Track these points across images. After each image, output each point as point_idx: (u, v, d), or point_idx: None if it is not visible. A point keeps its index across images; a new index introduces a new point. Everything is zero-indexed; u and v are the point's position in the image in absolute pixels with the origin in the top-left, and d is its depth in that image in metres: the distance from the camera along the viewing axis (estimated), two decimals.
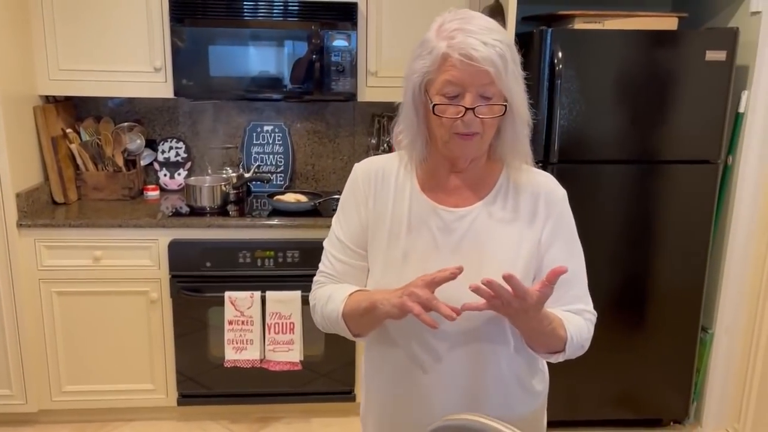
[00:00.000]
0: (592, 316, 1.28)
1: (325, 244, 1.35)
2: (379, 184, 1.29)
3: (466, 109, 1.13)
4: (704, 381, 2.76)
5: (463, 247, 1.23)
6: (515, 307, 1.08)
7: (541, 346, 1.22)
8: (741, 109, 2.52)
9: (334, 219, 1.35)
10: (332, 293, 1.28)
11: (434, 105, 1.15)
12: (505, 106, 1.15)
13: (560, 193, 1.28)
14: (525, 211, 1.25)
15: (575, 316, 1.24)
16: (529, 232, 1.25)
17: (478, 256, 1.23)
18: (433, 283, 1.10)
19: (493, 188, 1.27)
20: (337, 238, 1.32)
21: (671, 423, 2.79)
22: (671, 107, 2.44)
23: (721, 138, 2.48)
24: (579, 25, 2.47)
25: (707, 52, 2.39)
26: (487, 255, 1.23)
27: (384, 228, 1.27)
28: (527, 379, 1.31)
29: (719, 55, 2.39)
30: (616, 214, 2.54)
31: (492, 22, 1.16)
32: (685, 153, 2.49)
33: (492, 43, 1.11)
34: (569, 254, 1.26)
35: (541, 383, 1.35)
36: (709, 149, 2.49)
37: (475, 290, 1.05)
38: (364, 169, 1.32)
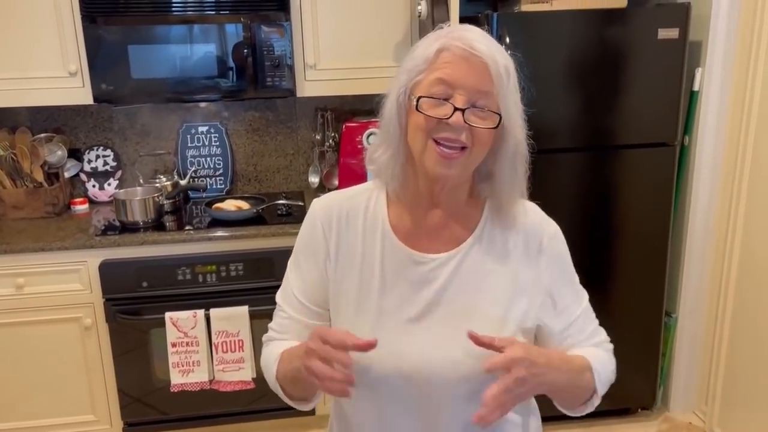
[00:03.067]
0: (610, 345, 1.16)
1: (277, 297, 1.16)
2: (344, 228, 1.10)
3: (456, 108, 0.95)
4: (670, 365, 2.72)
5: (446, 299, 1.06)
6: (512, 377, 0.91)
7: (571, 400, 1.08)
8: (695, 87, 2.43)
9: (289, 264, 1.15)
10: (271, 352, 1.11)
11: (419, 98, 0.97)
12: (500, 115, 0.97)
13: (552, 229, 1.12)
14: (515, 252, 1.08)
15: (594, 349, 1.11)
16: (523, 274, 1.08)
17: (464, 307, 1.05)
18: (339, 345, 0.93)
19: (476, 227, 1.09)
20: (291, 291, 1.13)
21: (639, 410, 2.74)
22: (625, 89, 2.33)
23: (677, 119, 2.39)
24: (526, 5, 2.33)
25: (659, 30, 2.28)
26: (474, 307, 1.05)
27: (351, 284, 1.09)
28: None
29: (672, 33, 2.29)
30: (575, 202, 2.44)
31: (496, 42, 1.02)
32: (641, 136, 2.40)
33: (495, 47, 0.98)
34: (576, 297, 1.13)
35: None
36: (666, 131, 2.40)
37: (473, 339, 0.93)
38: (324, 207, 1.12)
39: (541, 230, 1.11)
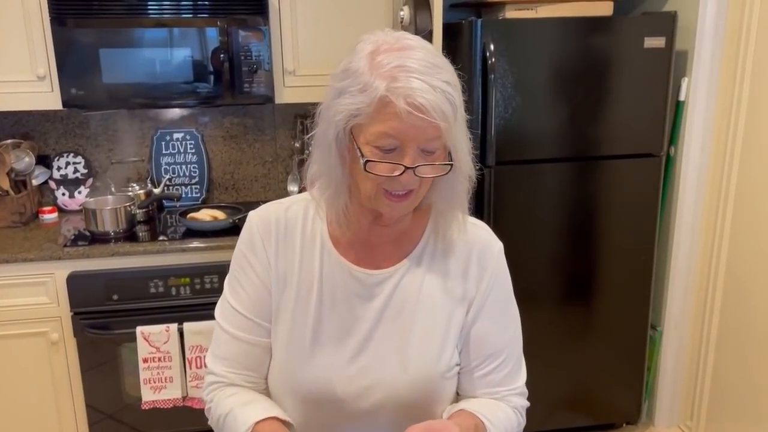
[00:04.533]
0: (520, 398, 1.09)
1: (217, 316, 1.09)
2: (281, 238, 1.05)
3: (406, 168, 0.90)
4: (655, 379, 2.67)
5: (387, 316, 1.02)
6: None
7: None
8: (681, 97, 2.40)
9: (226, 283, 1.09)
10: (233, 410, 1.02)
11: (366, 161, 0.90)
12: (450, 165, 0.93)
13: (495, 248, 1.08)
14: (456, 271, 1.05)
15: (498, 411, 1.04)
16: (461, 296, 1.05)
17: (404, 327, 1.02)
18: None
19: (419, 243, 1.05)
20: (233, 308, 1.06)
21: (624, 424, 2.69)
22: (611, 99, 2.29)
23: (663, 129, 2.36)
24: (510, 12, 2.28)
25: (646, 38, 2.24)
26: (415, 325, 1.02)
27: (289, 297, 1.04)
28: None
29: (658, 42, 2.25)
30: (560, 213, 2.39)
31: (433, 53, 0.92)
32: (626, 147, 2.36)
33: (441, 86, 0.88)
34: (502, 327, 1.07)
35: None
36: (652, 142, 2.37)
37: None
38: (262, 218, 1.07)
39: (487, 247, 1.07)
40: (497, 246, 1.08)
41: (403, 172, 0.91)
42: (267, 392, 1.10)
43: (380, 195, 0.94)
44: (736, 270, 2.30)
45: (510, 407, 1.07)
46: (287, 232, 1.05)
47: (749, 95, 2.19)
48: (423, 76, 0.88)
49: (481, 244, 1.07)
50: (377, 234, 1.04)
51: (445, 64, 0.93)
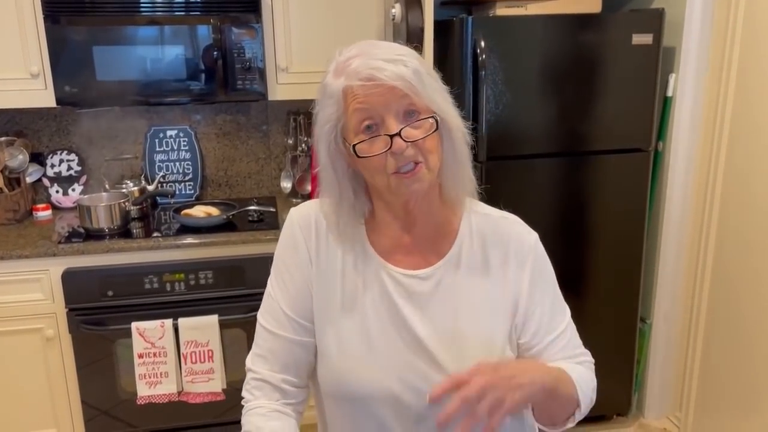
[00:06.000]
0: (590, 361, 1.12)
1: (259, 318, 1.09)
2: (323, 236, 1.06)
3: (391, 136, 0.92)
4: (644, 372, 2.71)
5: (431, 312, 1.03)
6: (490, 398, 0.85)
7: (558, 411, 1.03)
8: (669, 93, 2.43)
9: (270, 280, 1.10)
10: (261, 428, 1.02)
11: (354, 146, 0.94)
12: (436, 119, 0.95)
13: (532, 240, 1.10)
14: (495, 265, 1.06)
15: (575, 366, 1.07)
16: (504, 288, 1.06)
17: (452, 325, 1.03)
18: None
19: (455, 241, 1.06)
20: (273, 306, 1.06)
21: (614, 416, 2.73)
22: (599, 95, 2.32)
23: (651, 125, 2.39)
24: (501, 9, 2.31)
25: (634, 35, 2.27)
26: (463, 323, 1.03)
27: (335, 301, 1.04)
28: None
29: (645, 39, 2.28)
30: (549, 208, 2.42)
31: (397, 45, 0.97)
32: (615, 142, 2.39)
33: (397, 58, 0.92)
34: (554, 312, 1.10)
35: None
36: (640, 137, 2.40)
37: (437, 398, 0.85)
38: (302, 215, 1.09)
39: (522, 241, 1.09)
40: (533, 237, 1.10)
41: (391, 142, 0.92)
42: (306, 392, 1.11)
43: (394, 180, 0.96)
44: (724, 263, 2.34)
45: (587, 368, 1.10)
46: (329, 229, 1.07)
47: (736, 91, 2.22)
48: (376, 56, 0.92)
49: (518, 238, 1.09)
50: (412, 235, 1.05)
51: (407, 49, 0.96)
